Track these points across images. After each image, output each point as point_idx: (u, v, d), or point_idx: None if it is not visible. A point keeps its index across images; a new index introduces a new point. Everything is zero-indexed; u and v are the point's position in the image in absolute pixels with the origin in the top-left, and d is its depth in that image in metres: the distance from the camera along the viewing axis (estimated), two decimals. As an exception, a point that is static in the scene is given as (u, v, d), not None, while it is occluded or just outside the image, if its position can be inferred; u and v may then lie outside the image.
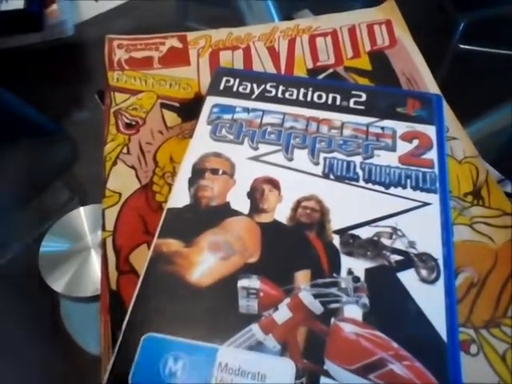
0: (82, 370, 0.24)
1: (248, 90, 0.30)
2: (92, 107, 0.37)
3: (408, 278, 0.23)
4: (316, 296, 0.22)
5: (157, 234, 0.24)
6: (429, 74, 0.32)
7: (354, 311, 0.22)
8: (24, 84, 0.36)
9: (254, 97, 0.30)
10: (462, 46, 0.37)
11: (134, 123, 0.30)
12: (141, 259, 0.24)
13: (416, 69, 0.33)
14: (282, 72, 0.33)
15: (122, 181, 0.28)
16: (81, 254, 0.28)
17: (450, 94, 0.32)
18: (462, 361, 0.22)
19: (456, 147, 0.30)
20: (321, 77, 0.33)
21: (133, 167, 0.29)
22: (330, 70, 0.33)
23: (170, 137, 0.30)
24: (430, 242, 0.24)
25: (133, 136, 0.30)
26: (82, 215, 0.29)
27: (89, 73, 0.43)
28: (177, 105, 0.32)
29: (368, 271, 0.23)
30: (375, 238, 0.24)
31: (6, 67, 0.39)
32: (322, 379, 0.20)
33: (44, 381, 0.27)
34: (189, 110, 0.31)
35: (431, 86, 0.32)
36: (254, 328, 0.21)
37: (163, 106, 0.32)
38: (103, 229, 0.26)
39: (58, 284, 0.26)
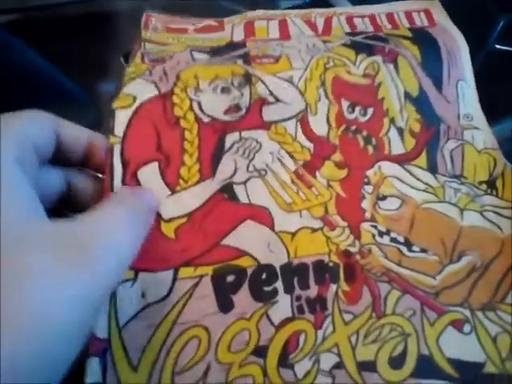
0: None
1: None
2: (118, 78, 0.37)
3: None
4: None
5: None
6: (468, 57, 0.32)
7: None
8: (52, 48, 0.35)
9: None
10: (498, 46, 0.36)
11: (160, 59, 0.29)
12: (150, 178, 0.23)
13: (457, 48, 0.32)
14: (320, 32, 0.32)
15: (139, 87, 0.26)
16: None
17: (479, 90, 0.31)
18: (454, 337, 0.23)
19: (477, 137, 0.30)
20: (360, 37, 0.32)
21: (153, 82, 0.27)
22: (370, 34, 0.32)
23: (195, 64, 0.28)
24: None
25: (158, 66, 0.28)
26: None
27: (118, 42, 0.41)
28: (207, 49, 0.30)
29: None
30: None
31: (37, 31, 0.38)
32: None
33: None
34: (219, 51, 0.30)
35: (468, 70, 0.31)
36: None
37: (193, 50, 0.30)
38: (111, 133, 0.24)
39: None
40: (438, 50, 0.32)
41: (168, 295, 0.22)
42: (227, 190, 0.25)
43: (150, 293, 0.22)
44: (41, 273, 0.15)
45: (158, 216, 0.23)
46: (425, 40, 0.32)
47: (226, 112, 0.27)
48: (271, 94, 0.28)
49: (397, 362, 0.22)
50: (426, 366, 0.22)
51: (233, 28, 0.33)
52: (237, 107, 0.27)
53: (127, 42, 0.31)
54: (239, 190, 0.25)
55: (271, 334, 0.22)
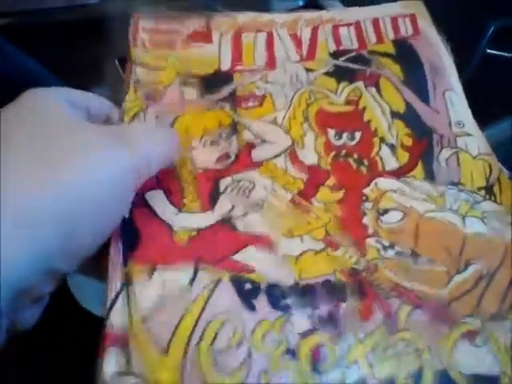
0: (86, 333, 0.23)
1: None
2: (113, 81, 0.36)
3: None
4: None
5: None
6: (452, 66, 0.32)
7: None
8: (46, 54, 0.36)
9: None
10: (489, 51, 0.37)
11: (152, 94, 0.30)
12: (157, 199, 0.25)
13: (440, 59, 0.33)
14: (304, 54, 0.33)
15: None
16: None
17: (471, 96, 0.32)
18: (467, 350, 0.23)
19: (471, 143, 0.30)
20: (343, 58, 0.33)
21: None
22: (354, 53, 0.33)
23: (187, 111, 0.30)
24: None
25: (150, 107, 0.30)
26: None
27: (112, 46, 0.42)
28: (195, 81, 0.32)
29: None
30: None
31: (31, 36, 0.37)
32: None
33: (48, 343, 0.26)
34: (207, 84, 0.31)
35: (454, 79, 0.32)
36: None
37: (182, 82, 0.31)
38: None
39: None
40: (420, 66, 0.33)
41: (189, 290, 0.22)
42: (227, 221, 0.26)
43: (170, 287, 0.22)
44: (92, 148, 0.20)
45: (169, 227, 0.25)
46: (407, 57, 0.33)
47: (217, 161, 0.28)
48: (257, 137, 0.29)
49: (415, 379, 0.22)
50: (443, 382, 0.22)
51: (220, 40, 0.34)
52: (226, 155, 0.28)
53: (122, 46, 0.32)
54: (239, 223, 0.26)
55: (297, 339, 0.22)
